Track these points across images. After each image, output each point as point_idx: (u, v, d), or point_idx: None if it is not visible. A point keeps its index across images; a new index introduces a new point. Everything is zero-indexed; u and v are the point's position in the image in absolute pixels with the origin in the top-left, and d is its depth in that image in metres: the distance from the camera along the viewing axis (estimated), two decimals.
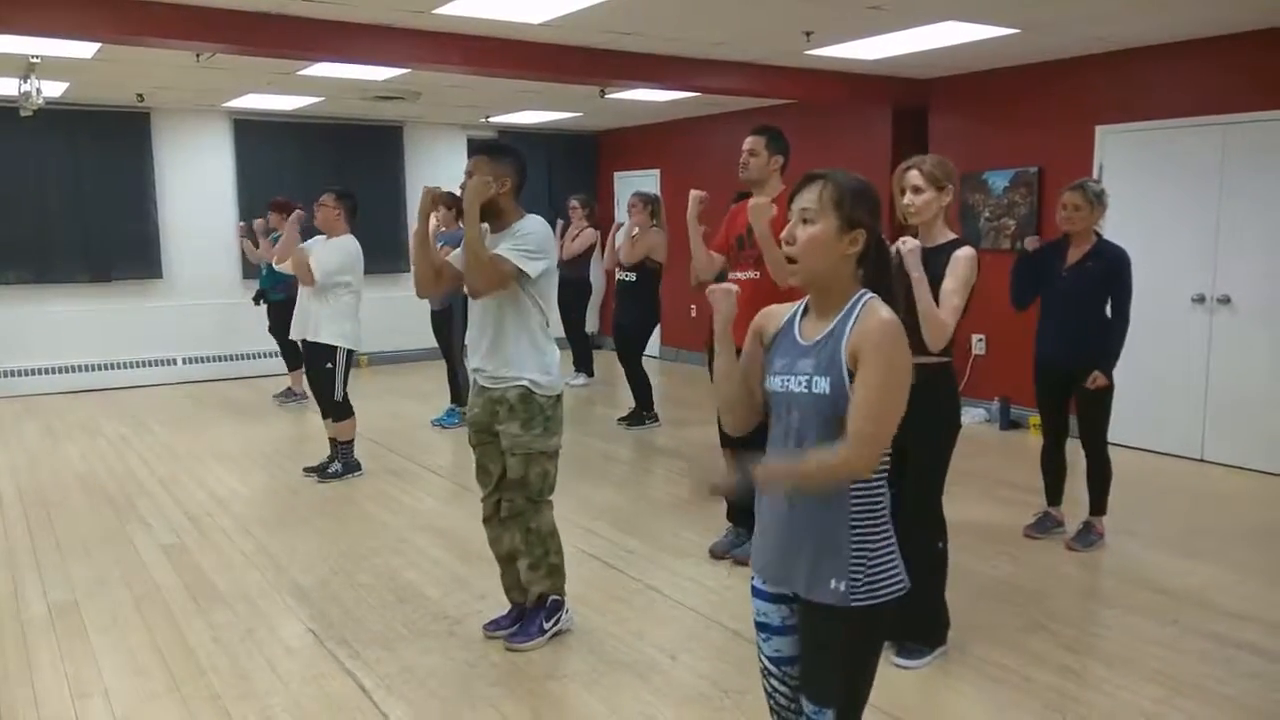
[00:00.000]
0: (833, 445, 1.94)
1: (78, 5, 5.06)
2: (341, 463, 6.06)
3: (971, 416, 7.10)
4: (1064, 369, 4.62)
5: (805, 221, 2.00)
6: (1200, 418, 6.36)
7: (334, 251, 5.83)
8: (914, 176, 3.43)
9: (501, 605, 3.86)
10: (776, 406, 2.09)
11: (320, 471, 6.04)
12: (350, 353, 5.96)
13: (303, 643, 3.72)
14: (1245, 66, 6.00)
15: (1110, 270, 4.50)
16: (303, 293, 5.91)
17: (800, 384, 1.99)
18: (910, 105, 8.01)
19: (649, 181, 11.05)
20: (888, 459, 2.01)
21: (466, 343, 3.65)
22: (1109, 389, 4.57)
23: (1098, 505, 4.74)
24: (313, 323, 5.81)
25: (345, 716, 3.17)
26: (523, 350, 3.43)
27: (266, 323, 8.50)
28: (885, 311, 1.96)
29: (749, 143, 4.47)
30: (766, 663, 2.17)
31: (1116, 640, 3.72)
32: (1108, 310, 4.54)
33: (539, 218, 3.49)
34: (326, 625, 3.87)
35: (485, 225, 3.48)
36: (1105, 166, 6.76)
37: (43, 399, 8.79)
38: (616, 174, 11.70)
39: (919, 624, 3.45)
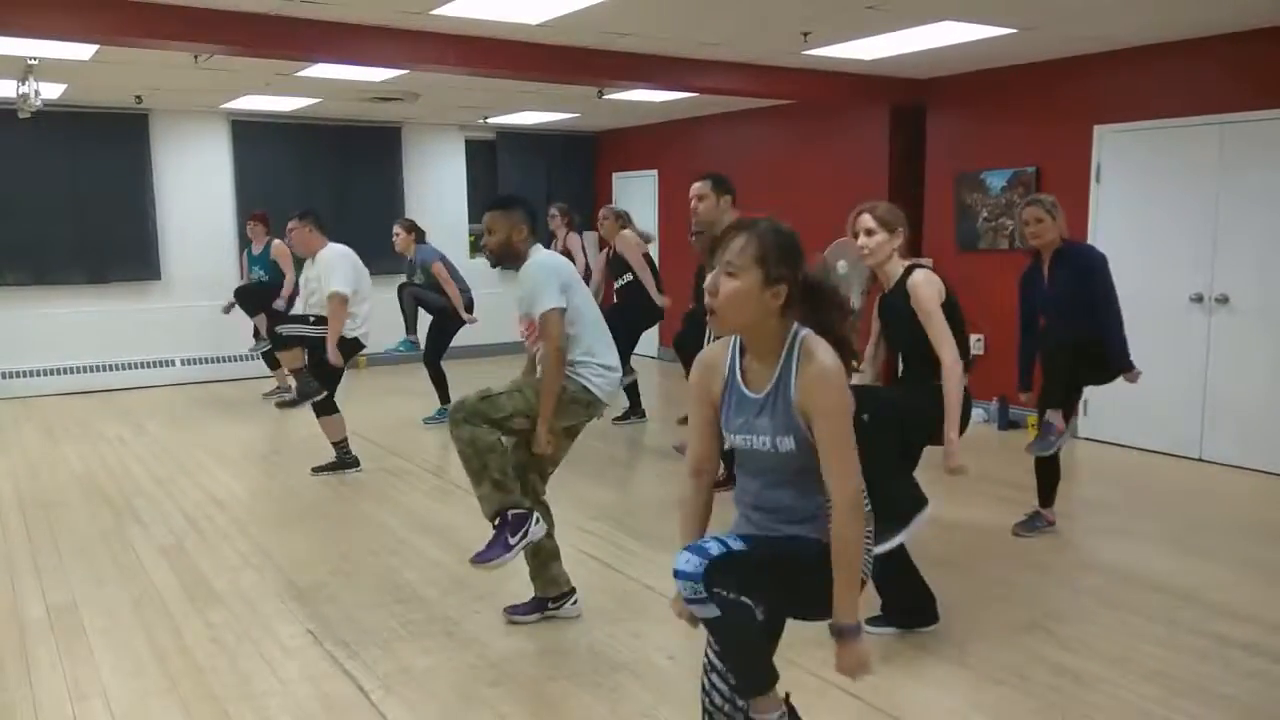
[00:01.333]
0: (814, 484, 2.06)
1: (76, 7, 5.05)
2: (339, 461, 6.08)
3: (971, 417, 7.10)
4: (1066, 344, 4.58)
5: (729, 275, 2.04)
6: (1199, 417, 6.36)
7: (332, 263, 5.89)
8: (866, 220, 3.64)
9: (501, 607, 3.86)
10: (741, 458, 2.19)
11: (314, 467, 6.09)
12: (355, 345, 6.01)
13: (301, 643, 3.71)
14: (1243, 66, 6.01)
15: (1080, 270, 4.55)
16: (304, 289, 6.04)
17: (764, 444, 2.08)
18: (908, 105, 8.02)
19: (648, 181, 11.06)
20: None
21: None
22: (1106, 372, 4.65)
23: (1047, 498, 4.88)
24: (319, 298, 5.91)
25: (343, 717, 3.17)
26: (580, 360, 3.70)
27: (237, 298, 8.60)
28: (822, 353, 2.03)
29: (695, 189, 4.83)
30: (713, 658, 2.22)
31: (1115, 639, 3.72)
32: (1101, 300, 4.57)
33: (538, 256, 3.75)
34: (324, 626, 3.86)
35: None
36: (1103, 166, 6.77)
37: (41, 400, 8.79)
38: (615, 174, 11.70)
39: (894, 603, 3.69)
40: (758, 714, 2.15)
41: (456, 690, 3.33)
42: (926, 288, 3.54)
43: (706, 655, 2.23)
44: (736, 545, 2.11)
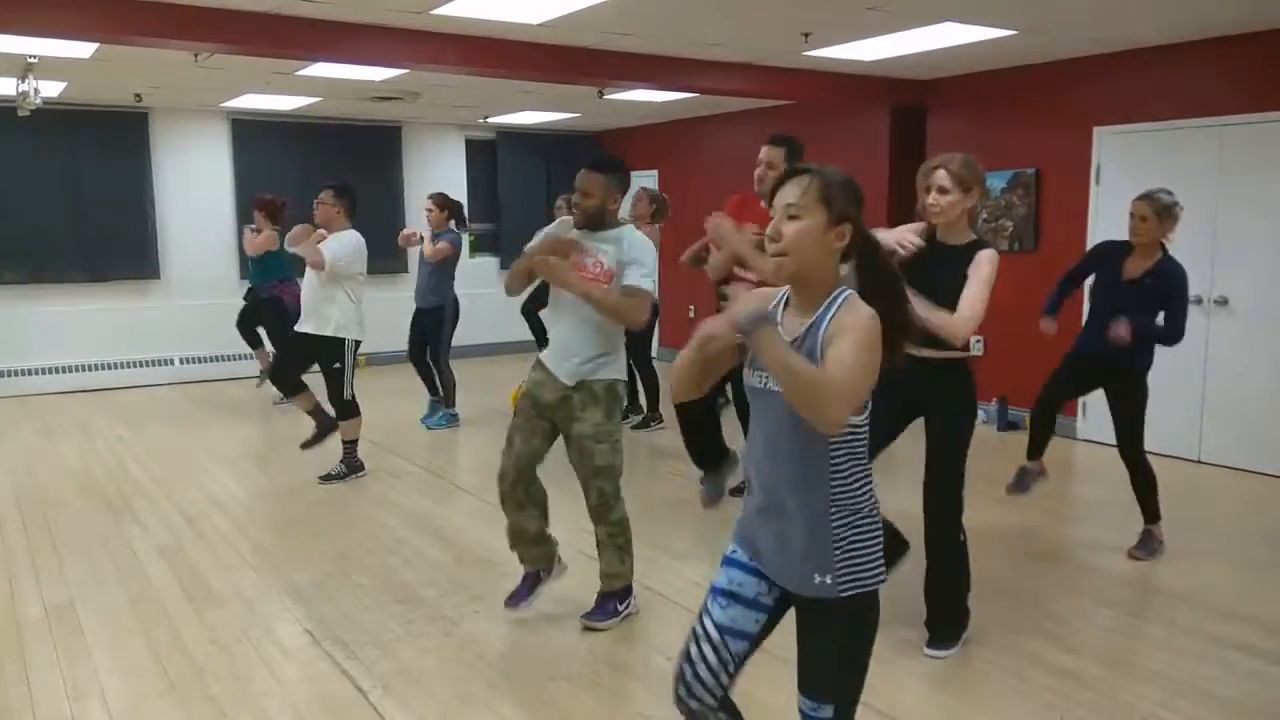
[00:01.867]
0: (811, 448, 1.97)
1: (75, 5, 5.05)
2: (345, 463, 6.05)
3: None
4: (1097, 359, 4.51)
5: (791, 218, 1.99)
6: (1197, 418, 6.36)
7: (339, 241, 5.89)
8: (941, 176, 3.37)
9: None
10: (754, 401, 2.09)
11: (322, 475, 6.01)
12: (357, 345, 6.00)
13: (299, 643, 3.71)
14: (1243, 68, 6.01)
15: (1167, 290, 4.41)
16: (308, 285, 5.94)
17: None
18: (908, 106, 8.02)
19: (648, 182, 11.04)
20: (863, 448, 2.03)
21: (550, 334, 3.85)
22: (1143, 398, 4.52)
23: (1151, 513, 4.64)
24: (320, 317, 5.85)
25: (342, 717, 3.17)
26: (618, 349, 3.73)
27: (236, 318, 8.42)
28: (863, 306, 1.97)
29: (765, 153, 4.40)
30: (709, 628, 2.15)
31: (1114, 641, 3.72)
32: (1158, 320, 4.48)
33: (642, 234, 3.76)
34: (323, 626, 3.86)
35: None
36: (1103, 168, 6.77)
37: (39, 399, 8.78)
38: None
39: (948, 615, 3.58)
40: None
41: (455, 690, 3.33)
42: (995, 263, 3.34)
43: (698, 626, 2.18)
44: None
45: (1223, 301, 6.20)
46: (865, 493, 2.04)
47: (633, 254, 3.62)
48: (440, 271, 7.38)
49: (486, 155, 11.43)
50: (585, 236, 3.71)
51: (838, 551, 2.00)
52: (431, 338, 7.46)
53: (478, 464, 6.67)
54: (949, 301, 3.30)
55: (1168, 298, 4.41)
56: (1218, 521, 5.24)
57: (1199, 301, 6.29)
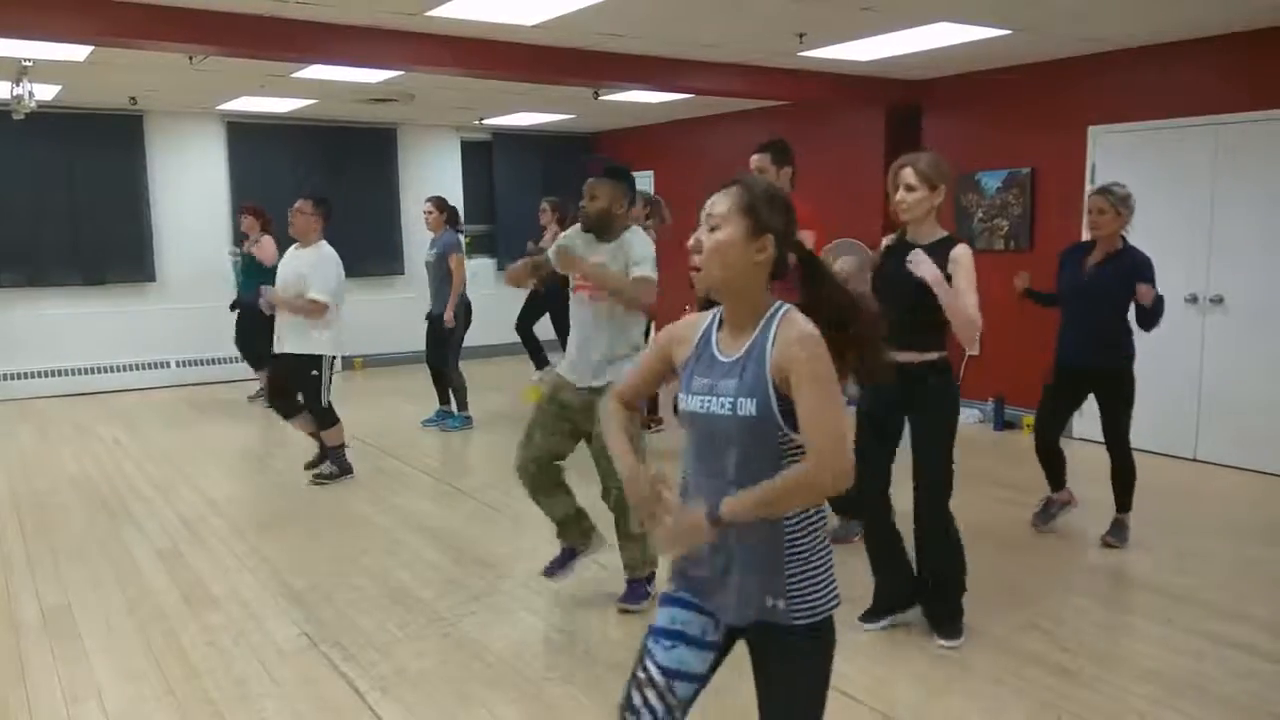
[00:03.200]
0: (760, 470, 1.86)
1: (70, 8, 5.04)
2: (335, 464, 6.04)
3: (966, 417, 7.11)
4: (1081, 370, 4.64)
5: (712, 229, 1.93)
6: (1193, 417, 6.38)
7: (324, 266, 5.77)
8: (908, 174, 3.45)
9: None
10: (695, 428, 1.99)
11: (316, 474, 6.01)
12: (334, 359, 5.94)
13: (296, 645, 3.71)
14: (1237, 67, 6.02)
15: (1130, 273, 4.47)
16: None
17: (724, 406, 1.89)
18: (903, 106, 8.03)
19: (643, 183, 11.05)
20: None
21: (570, 348, 3.94)
22: (1129, 394, 4.61)
23: (1124, 505, 4.77)
24: (296, 334, 5.75)
25: (340, 719, 3.17)
26: (637, 350, 3.77)
27: (234, 333, 8.44)
28: (804, 322, 1.89)
29: (755, 161, 4.44)
30: (654, 672, 2.03)
31: (1111, 639, 3.73)
32: (1130, 315, 4.55)
33: (643, 231, 3.88)
34: (320, 628, 3.86)
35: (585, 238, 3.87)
36: (1098, 167, 6.78)
37: (36, 402, 8.77)
38: None
39: (949, 607, 3.66)
40: None
41: (453, 691, 3.33)
42: (971, 257, 3.45)
43: (640, 671, 2.08)
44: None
45: (1218, 300, 6.21)
46: (816, 513, 1.94)
47: (634, 254, 3.74)
48: (443, 276, 7.35)
49: (482, 157, 11.43)
50: (587, 244, 3.79)
51: (791, 575, 1.90)
52: (440, 341, 7.43)
53: (475, 465, 6.67)
54: (924, 300, 3.39)
55: (1133, 272, 4.47)
56: (1214, 520, 5.25)
57: (1195, 300, 6.31)
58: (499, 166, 11.40)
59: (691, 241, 1.95)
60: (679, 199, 9.85)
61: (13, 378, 8.94)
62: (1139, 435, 6.53)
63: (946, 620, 3.67)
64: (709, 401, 1.92)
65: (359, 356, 10.44)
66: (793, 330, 1.87)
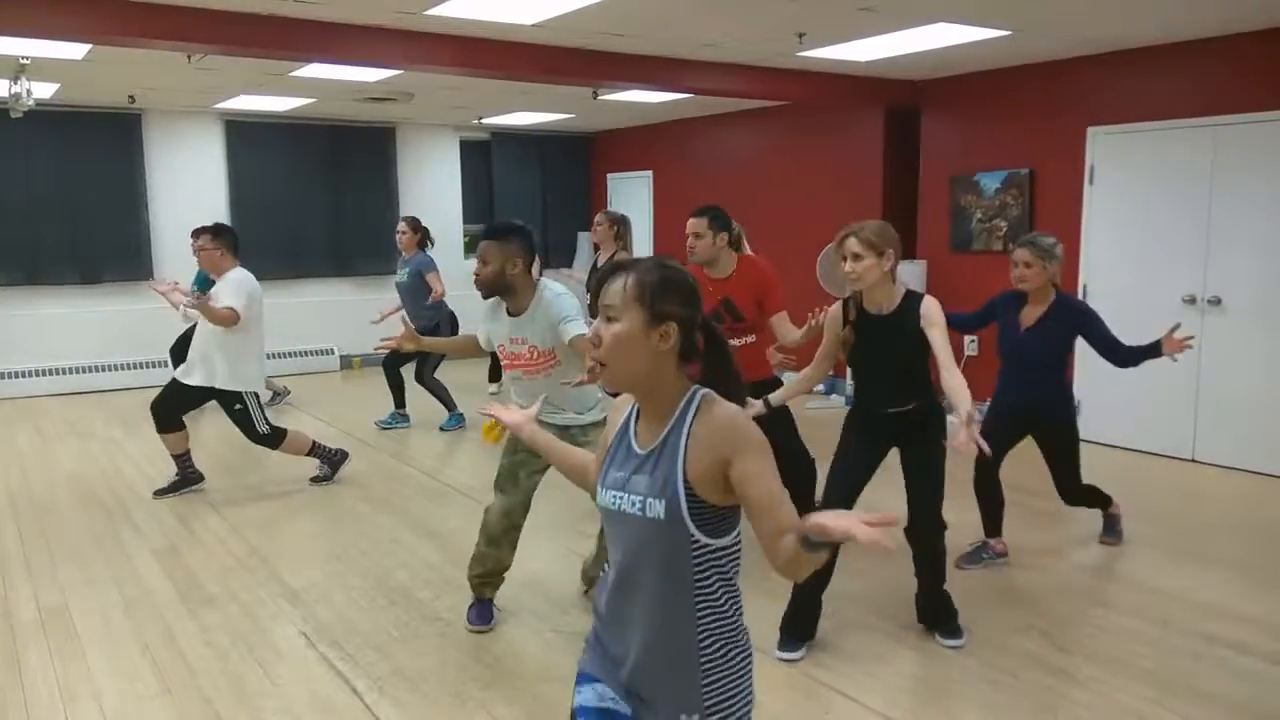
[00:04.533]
0: (672, 573, 1.75)
1: (68, 6, 5.03)
2: (326, 462, 6.01)
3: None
4: (1024, 417, 4.47)
5: (609, 320, 1.76)
6: (1191, 418, 6.38)
7: (233, 286, 5.50)
8: (852, 244, 3.44)
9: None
10: (609, 524, 1.87)
11: (312, 476, 6.00)
12: (257, 395, 5.67)
13: (294, 645, 3.71)
14: (1236, 67, 6.02)
15: (1073, 326, 4.33)
16: (198, 336, 5.64)
17: (634, 505, 1.77)
18: (902, 106, 8.03)
19: (642, 182, 11.06)
20: (734, 569, 1.80)
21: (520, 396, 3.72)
22: (1074, 443, 4.48)
23: (1104, 503, 4.72)
24: (209, 368, 5.54)
25: (338, 719, 3.17)
26: (587, 391, 3.62)
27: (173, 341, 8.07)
28: (726, 406, 1.77)
29: (691, 225, 4.35)
30: None
31: (1108, 640, 3.73)
32: (1069, 361, 4.46)
33: (554, 287, 3.64)
34: (318, 628, 3.86)
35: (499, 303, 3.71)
36: (1097, 168, 6.78)
37: (33, 401, 8.76)
38: (609, 175, 11.70)
39: (946, 607, 3.73)
40: None
41: (450, 691, 3.33)
42: (941, 312, 3.44)
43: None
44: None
45: (1216, 301, 6.22)
46: (735, 615, 1.80)
47: (555, 314, 3.54)
48: (417, 295, 7.31)
49: (481, 156, 11.42)
50: (499, 319, 3.68)
51: (706, 688, 1.76)
52: (418, 357, 7.25)
53: (471, 465, 6.66)
54: (904, 369, 3.51)
55: (1082, 325, 4.32)
56: (1211, 521, 5.25)
57: (1193, 301, 6.31)
58: (498, 166, 11.39)
59: (589, 333, 1.82)
60: (677, 199, 9.88)
61: (10, 377, 8.93)
62: (1137, 435, 6.60)
63: (948, 619, 3.71)
64: (619, 498, 1.80)
65: (356, 356, 10.43)
66: (716, 413, 1.75)
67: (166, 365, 9.56)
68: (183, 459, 5.82)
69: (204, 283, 7.84)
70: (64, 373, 9.16)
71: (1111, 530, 4.81)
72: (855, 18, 5.51)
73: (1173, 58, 6.33)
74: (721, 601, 1.77)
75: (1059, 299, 4.37)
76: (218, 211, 9.79)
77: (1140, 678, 3.41)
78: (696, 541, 1.74)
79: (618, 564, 1.85)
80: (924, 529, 3.62)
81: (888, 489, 3.73)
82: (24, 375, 8.99)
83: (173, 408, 5.75)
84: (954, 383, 3.25)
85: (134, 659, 3.59)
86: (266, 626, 3.88)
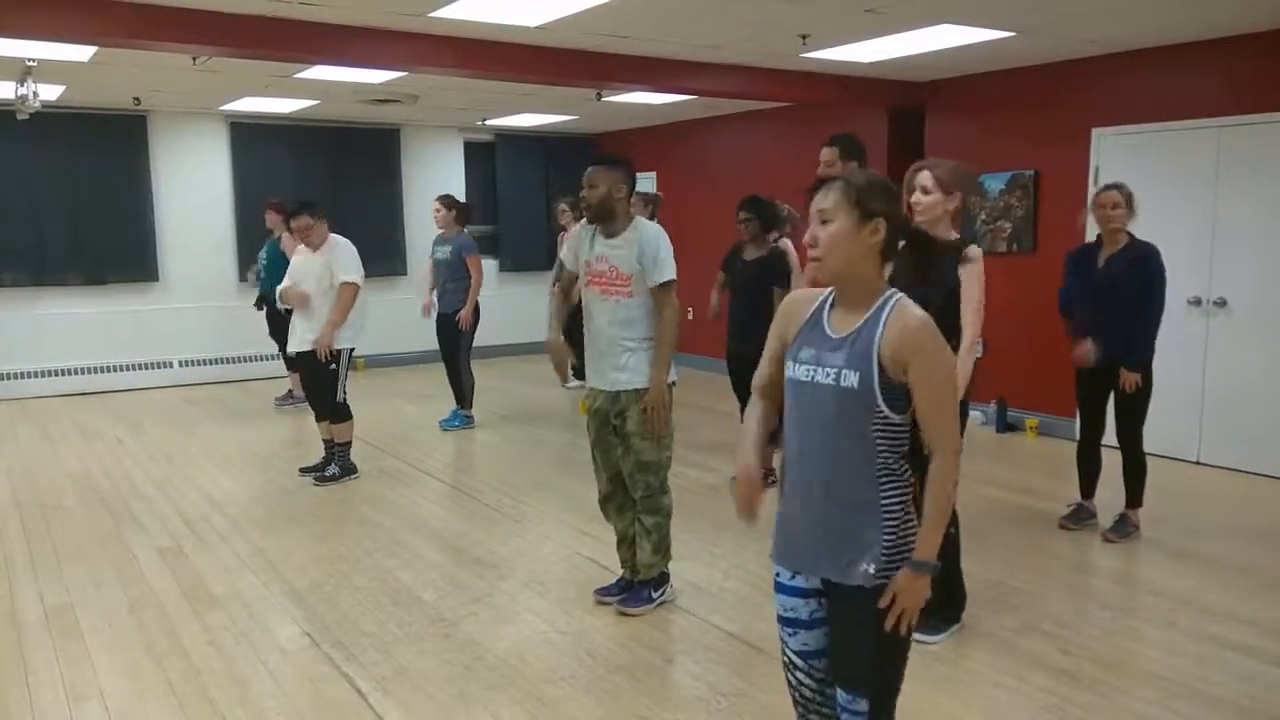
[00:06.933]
0: (857, 440, 2.02)
1: (75, 9, 5.05)
2: (339, 465, 6.06)
3: (967, 418, 7.10)
4: (1100, 367, 4.70)
5: (824, 223, 2.07)
6: (1196, 420, 6.37)
7: (343, 253, 5.90)
8: (924, 178, 3.54)
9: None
10: (798, 395, 2.12)
11: (317, 475, 6.04)
12: (351, 353, 6.04)
13: (298, 645, 3.71)
14: (1241, 69, 6.01)
15: (1138, 262, 4.61)
16: (302, 313, 5.94)
17: (828, 376, 2.04)
18: (907, 108, 8.02)
19: (646, 184, 11.05)
20: (905, 444, 2.07)
21: (587, 351, 3.91)
22: (1146, 391, 4.71)
23: (1134, 499, 4.88)
24: (314, 331, 5.83)
25: (341, 719, 3.17)
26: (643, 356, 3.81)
27: (267, 327, 8.45)
28: (918, 311, 2.02)
29: (824, 155, 4.65)
30: (793, 657, 2.22)
31: (1112, 642, 3.72)
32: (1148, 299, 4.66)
33: (655, 227, 3.83)
34: (322, 628, 3.86)
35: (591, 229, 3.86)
36: (1101, 169, 6.77)
37: (38, 402, 8.78)
38: None
39: (937, 603, 3.59)
40: None
41: (454, 692, 3.33)
42: (980, 264, 3.55)
43: (784, 654, 2.25)
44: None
45: (1221, 303, 6.20)
46: (908, 480, 2.08)
47: (650, 248, 3.72)
48: (457, 274, 7.34)
49: (485, 157, 11.43)
50: (594, 239, 3.81)
51: (885, 540, 2.04)
52: (453, 340, 7.41)
53: (477, 466, 6.67)
54: (938, 301, 3.38)
55: (1145, 267, 4.60)
56: (1216, 523, 5.24)
57: (1198, 303, 6.30)
58: (501, 167, 11.41)
59: (807, 237, 2.10)
60: (682, 200, 9.87)
61: (15, 377, 8.95)
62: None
63: (937, 612, 3.67)
64: (814, 371, 2.07)
65: (360, 357, 10.44)
66: (909, 319, 2.00)
67: (170, 366, 9.64)
68: (345, 448, 6.10)
69: (276, 256, 7.92)
70: (69, 373, 9.18)
71: (1118, 529, 4.83)
72: (859, 19, 5.51)
73: (1178, 59, 6.32)
74: (895, 466, 2.05)
75: (1135, 241, 4.69)
76: (222, 213, 9.84)
77: (1145, 680, 3.40)
78: (880, 411, 2.01)
79: (808, 429, 2.10)
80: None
81: None
82: (29, 376, 9.01)
83: (318, 392, 6.08)
84: (966, 319, 3.41)
85: (139, 659, 3.60)
86: (271, 626, 3.88)
